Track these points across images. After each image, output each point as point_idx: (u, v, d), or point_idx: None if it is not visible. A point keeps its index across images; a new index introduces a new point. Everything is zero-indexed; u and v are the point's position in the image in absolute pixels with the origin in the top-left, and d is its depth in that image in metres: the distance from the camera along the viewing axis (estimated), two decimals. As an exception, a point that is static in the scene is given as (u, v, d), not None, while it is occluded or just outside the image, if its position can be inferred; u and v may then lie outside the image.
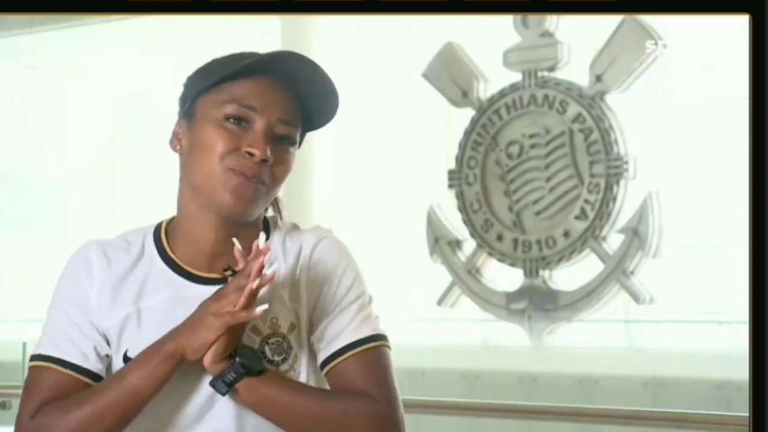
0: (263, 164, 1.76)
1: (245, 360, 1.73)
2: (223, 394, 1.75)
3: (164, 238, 1.86)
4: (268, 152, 1.76)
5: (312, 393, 1.80)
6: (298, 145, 1.85)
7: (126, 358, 1.79)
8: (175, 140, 1.84)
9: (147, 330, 1.79)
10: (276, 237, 1.88)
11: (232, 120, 1.77)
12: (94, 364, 1.80)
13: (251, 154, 1.76)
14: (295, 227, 1.91)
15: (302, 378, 1.83)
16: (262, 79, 1.79)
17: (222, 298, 1.70)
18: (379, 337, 1.84)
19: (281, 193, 1.95)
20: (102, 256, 1.83)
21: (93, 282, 1.82)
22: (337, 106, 1.85)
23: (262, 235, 1.71)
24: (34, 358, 1.81)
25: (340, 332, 1.82)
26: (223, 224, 1.81)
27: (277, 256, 1.84)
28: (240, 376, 1.73)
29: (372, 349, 1.82)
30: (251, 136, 1.77)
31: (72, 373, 1.79)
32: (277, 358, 1.80)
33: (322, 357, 1.83)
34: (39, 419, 1.76)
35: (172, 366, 1.73)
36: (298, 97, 1.81)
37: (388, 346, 1.85)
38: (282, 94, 1.80)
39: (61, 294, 1.84)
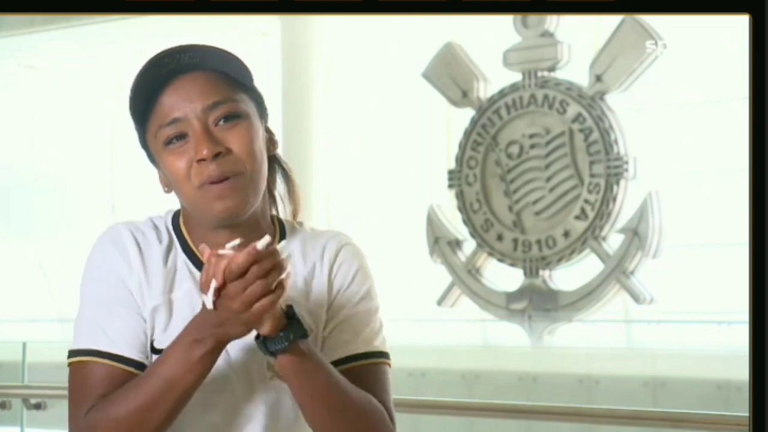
0: (220, 158, 1.72)
1: (301, 320, 1.67)
2: (285, 351, 1.67)
3: (183, 227, 1.84)
4: (214, 146, 1.72)
5: (341, 376, 1.79)
6: (255, 110, 1.79)
7: (153, 349, 1.77)
8: (162, 184, 1.83)
9: (176, 322, 1.77)
10: (295, 241, 1.86)
11: (171, 143, 1.75)
12: (141, 354, 1.77)
13: (203, 159, 1.72)
14: (314, 231, 1.90)
15: None
16: (167, 90, 1.74)
17: (236, 297, 1.60)
18: (387, 355, 1.87)
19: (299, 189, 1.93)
20: (134, 242, 1.80)
21: (132, 271, 1.78)
22: (233, 57, 1.78)
23: (266, 238, 1.60)
24: (78, 353, 1.77)
25: (351, 339, 1.83)
26: (233, 229, 1.78)
27: (296, 262, 1.84)
28: (297, 337, 1.67)
29: (380, 364, 1.85)
30: (192, 143, 1.73)
31: (124, 366, 1.76)
32: None
33: (329, 357, 1.82)
34: (90, 416, 1.73)
35: (214, 359, 1.69)
36: (210, 75, 1.76)
37: (390, 365, 1.87)
38: (192, 86, 1.74)
39: (100, 284, 1.79)
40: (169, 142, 1.75)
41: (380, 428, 1.78)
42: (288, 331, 1.65)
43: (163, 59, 1.75)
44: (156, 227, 1.84)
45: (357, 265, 1.86)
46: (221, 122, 1.74)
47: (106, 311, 1.77)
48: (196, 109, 1.74)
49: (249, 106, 1.78)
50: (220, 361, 1.74)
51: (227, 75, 1.77)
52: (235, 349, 1.77)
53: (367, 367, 1.83)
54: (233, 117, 1.75)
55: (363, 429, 1.76)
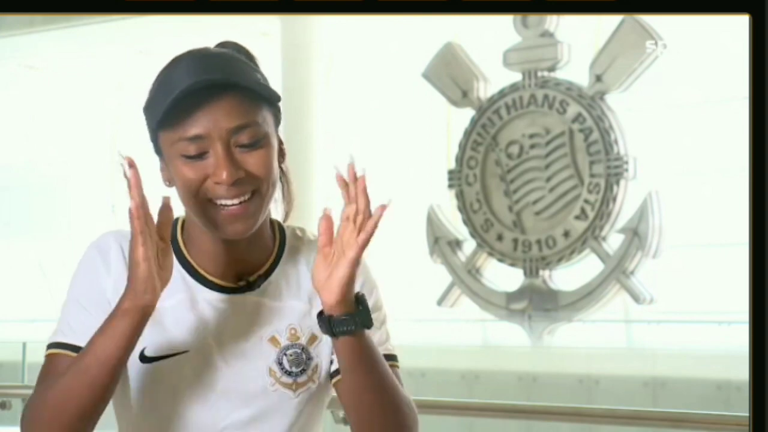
0: (238, 183, 1.71)
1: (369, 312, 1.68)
2: (350, 334, 1.67)
3: (180, 237, 1.83)
4: (235, 172, 1.70)
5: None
6: (273, 124, 1.76)
7: (143, 357, 1.78)
8: (163, 177, 1.80)
9: (166, 331, 1.78)
10: (299, 250, 1.86)
11: (190, 158, 1.72)
12: None
13: (220, 182, 1.70)
14: (316, 238, 1.85)
15: (318, 388, 1.82)
16: (193, 104, 1.70)
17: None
18: (396, 358, 1.86)
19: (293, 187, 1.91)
20: (120, 249, 1.80)
21: (110, 274, 1.79)
22: (256, 67, 1.77)
23: (344, 167, 1.69)
24: (50, 346, 1.79)
25: None
26: (233, 240, 1.78)
27: (302, 274, 1.84)
28: (364, 323, 1.66)
29: (393, 366, 1.83)
30: (212, 162, 1.71)
31: None
32: (294, 370, 1.78)
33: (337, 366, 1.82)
34: (33, 398, 1.74)
35: (133, 322, 1.67)
36: (237, 95, 1.72)
37: (398, 367, 1.87)
38: (219, 106, 1.70)
39: (77, 284, 1.82)
40: (183, 155, 1.73)
41: (415, 429, 1.79)
42: (355, 315, 1.66)
43: (193, 71, 1.71)
44: None
45: (362, 279, 1.83)
46: (243, 146, 1.72)
47: (77, 309, 1.80)
48: (220, 130, 1.70)
49: (269, 125, 1.75)
50: (216, 368, 1.76)
51: (253, 92, 1.73)
52: (232, 356, 1.78)
53: None
54: (255, 141, 1.72)
55: (404, 427, 1.76)
